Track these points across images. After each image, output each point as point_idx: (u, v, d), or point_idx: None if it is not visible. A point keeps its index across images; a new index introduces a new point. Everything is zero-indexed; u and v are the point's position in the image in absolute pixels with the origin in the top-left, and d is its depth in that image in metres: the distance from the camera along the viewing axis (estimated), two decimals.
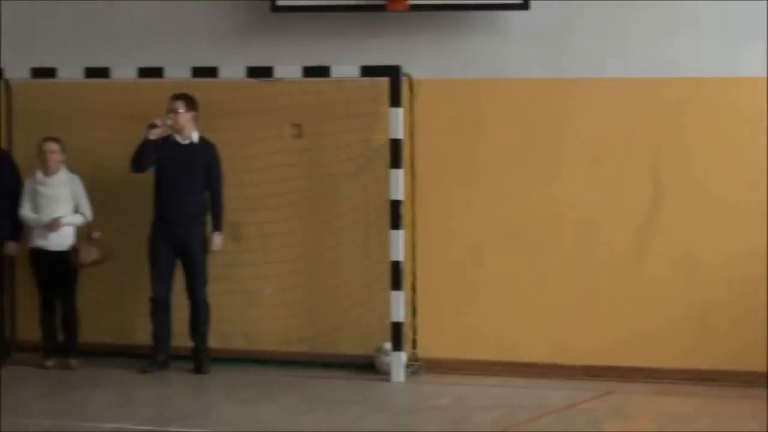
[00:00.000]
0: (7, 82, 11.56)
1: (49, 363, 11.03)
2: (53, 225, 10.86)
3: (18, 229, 11.06)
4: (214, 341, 11.11)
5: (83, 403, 9.92)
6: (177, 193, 10.80)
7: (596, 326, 10.77)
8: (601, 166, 10.77)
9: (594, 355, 10.79)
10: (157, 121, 10.73)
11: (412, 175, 11.02)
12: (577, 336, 10.81)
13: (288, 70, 10.93)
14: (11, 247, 11.08)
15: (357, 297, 11.16)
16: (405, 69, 10.85)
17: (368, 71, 10.80)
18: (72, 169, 11.14)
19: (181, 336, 11.00)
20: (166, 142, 10.89)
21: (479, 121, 11.04)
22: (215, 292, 11.10)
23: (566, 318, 10.83)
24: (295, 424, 9.04)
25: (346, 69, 10.82)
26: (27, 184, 11.04)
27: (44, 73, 11.27)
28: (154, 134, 10.73)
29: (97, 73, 11.17)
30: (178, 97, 10.84)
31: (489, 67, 11.01)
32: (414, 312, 11.02)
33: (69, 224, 10.96)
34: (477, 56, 11.03)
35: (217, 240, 10.88)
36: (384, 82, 10.80)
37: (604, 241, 10.79)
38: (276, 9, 11.07)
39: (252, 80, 11.06)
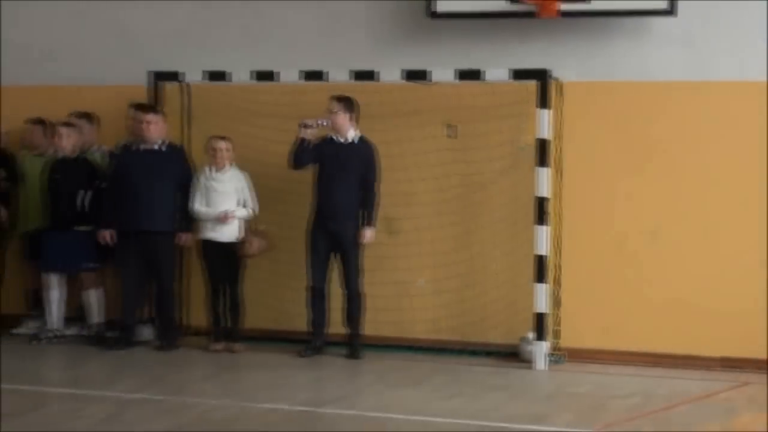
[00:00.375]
0: (183, 85, 12.12)
1: (216, 346, 11.45)
2: (224, 218, 11.30)
3: (190, 221, 11.57)
4: (367, 328, 11.44)
5: (244, 384, 10.29)
6: (334, 188, 11.15)
7: (734, 318, 10.84)
8: (751, 169, 10.87)
9: (731, 347, 10.89)
10: (309, 121, 11.10)
11: (559, 173, 11.27)
12: (714, 328, 10.91)
13: (443, 73, 11.24)
14: (184, 239, 11.56)
15: (504, 289, 11.41)
16: (553, 72, 11.09)
17: (518, 75, 11.04)
18: (240, 165, 11.62)
19: (336, 323, 11.40)
20: (327, 140, 11.30)
21: (624, 122, 11.22)
22: (370, 283, 11.45)
23: (705, 310, 10.94)
24: (441, 407, 9.23)
25: (497, 72, 11.08)
26: (198, 179, 11.51)
27: (218, 76, 11.80)
28: (307, 133, 11.12)
29: (264, 76, 11.64)
30: (335, 98, 11.22)
31: (634, 70, 11.20)
32: (557, 304, 11.26)
33: (238, 217, 11.40)
34: (622, 60, 11.21)
35: (367, 234, 11.20)
36: (533, 85, 11.04)
37: (744, 237, 10.89)
38: (432, 15, 11.42)
39: (409, 83, 11.41)
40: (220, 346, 11.46)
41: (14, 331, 12.18)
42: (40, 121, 12.23)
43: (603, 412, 9.27)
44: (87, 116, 12.11)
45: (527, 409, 9.31)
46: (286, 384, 10.14)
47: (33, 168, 12.11)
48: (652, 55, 11.17)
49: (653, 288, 11.13)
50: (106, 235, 11.46)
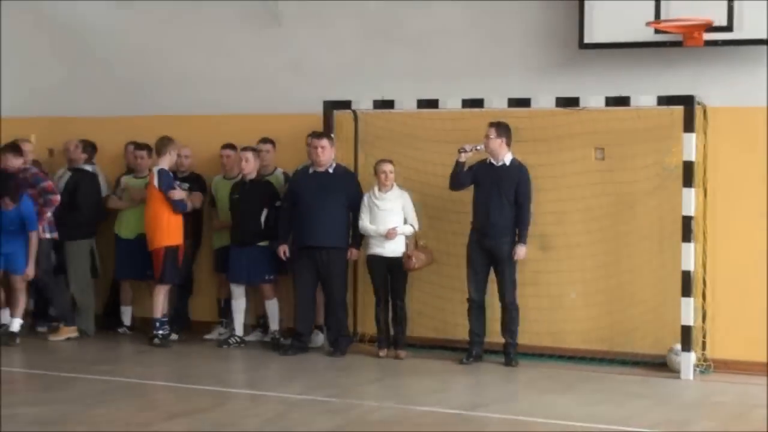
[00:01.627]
0: (354, 113, 12.29)
1: (382, 353, 11.54)
2: (390, 234, 11.42)
3: (359, 237, 11.72)
4: (523, 338, 11.38)
5: (405, 388, 10.34)
6: (490, 208, 11.14)
7: None
8: None
9: None
10: (466, 147, 11.12)
11: (704, 194, 11.06)
12: None
13: (593, 100, 11.16)
14: (353, 254, 11.70)
15: (652, 302, 11.23)
16: (699, 98, 10.90)
17: (664, 101, 10.89)
18: (403, 186, 11.71)
19: (494, 333, 11.37)
20: (484, 164, 11.32)
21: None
22: (525, 296, 11.42)
23: None
24: (586, 413, 9.14)
25: (644, 99, 10.95)
26: (365, 199, 11.65)
27: (385, 104, 11.96)
28: (463, 157, 11.16)
29: (428, 104, 11.72)
30: (491, 124, 11.25)
31: None
32: (704, 317, 11.03)
33: (402, 234, 11.51)
34: (765, 85, 10.96)
35: (520, 251, 11.15)
36: (679, 110, 10.84)
37: None
38: (583, 46, 11.36)
39: (560, 109, 11.36)
40: (384, 352, 11.55)
41: (206, 336, 12.52)
42: (231, 146, 12.55)
43: (745, 421, 9.05)
44: (269, 142, 12.38)
45: (670, 416, 9.13)
46: (444, 389, 10.16)
47: (223, 190, 12.44)
48: None
49: None
50: (282, 250, 11.67)
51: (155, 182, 11.79)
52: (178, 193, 11.79)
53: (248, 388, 10.12)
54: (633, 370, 11.00)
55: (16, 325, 11.97)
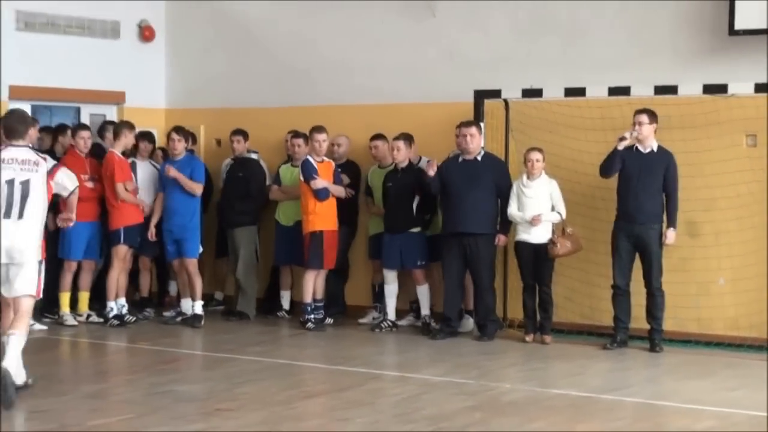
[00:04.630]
0: (505, 101, 12.72)
1: (528, 338, 11.96)
2: (534, 221, 11.83)
3: (507, 224, 12.14)
4: (669, 324, 11.65)
5: (544, 372, 10.70)
6: (637, 194, 11.42)
7: None
8: None
9: None
10: (626, 134, 11.45)
11: None
12: None
13: (741, 86, 11.31)
14: (501, 240, 12.13)
15: None
16: None
17: None
18: (552, 173, 12.10)
19: (639, 318, 11.66)
20: (631, 150, 11.61)
21: None
22: (672, 282, 11.64)
23: None
24: (718, 397, 9.36)
25: None
26: (514, 186, 12.06)
27: (533, 93, 12.36)
28: (622, 145, 11.46)
29: (574, 92, 12.06)
30: (642, 111, 11.50)
31: None
32: None
33: (547, 221, 11.90)
34: None
35: (670, 236, 11.40)
36: None
37: None
38: (733, 33, 11.53)
39: (708, 96, 11.54)
40: (531, 337, 11.98)
41: (360, 320, 13.17)
42: (380, 137, 13.13)
43: None
44: (405, 136, 12.82)
45: None
46: (582, 373, 10.50)
47: (377, 178, 13.06)
48: None
49: None
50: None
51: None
52: (319, 182, 12.44)
53: (390, 370, 10.69)
54: None
55: (198, 307, 12.82)
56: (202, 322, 12.72)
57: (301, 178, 12.61)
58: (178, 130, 12.92)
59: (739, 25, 11.51)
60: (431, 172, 12.00)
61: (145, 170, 13.20)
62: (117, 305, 12.67)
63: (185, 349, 11.65)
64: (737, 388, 9.87)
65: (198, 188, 12.77)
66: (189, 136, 13.16)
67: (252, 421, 8.25)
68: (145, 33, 14.74)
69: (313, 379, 10.38)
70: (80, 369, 10.92)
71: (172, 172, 12.67)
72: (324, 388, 9.82)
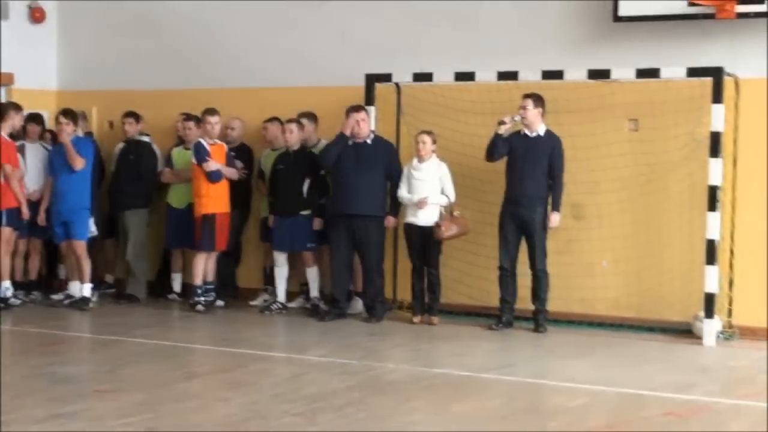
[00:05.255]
0: (397, 86, 12.83)
1: (416, 319, 12.10)
2: (421, 203, 11.96)
3: (397, 206, 12.24)
4: (555, 305, 11.87)
5: (428, 353, 10.83)
6: (522, 177, 11.62)
7: None
8: None
9: None
10: (506, 118, 11.61)
11: (734, 164, 11.41)
12: None
13: (623, 72, 11.54)
14: (390, 222, 12.25)
15: (680, 270, 11.61)
16: (730, 70, 11.24)
17: (694, 72, 11.22)
18: (442, 157, 12.19)
19: (525, 300, 11.86)
20: (518, 135, 11.79)
21: None
22: (558, 264, 11.89)
23: None
24: (595, 376, 9.58)
25: (674, 70, 11.31)
26: (405, 169, 12.18)
27: (423, 77, 12.48)
28: (503, 129, 11.65)
29: (464, 77, 12.20)
30: (527, 96, 11.69)
31: None
32: (731, 284, 11.41)
33: (435, 203, 12.02)
34: None
35: (554, 218, 11.62)
36: (710, 82, 11.15)
37: None
38: (617, 19, 11.76)
39: (594, 81, 11.74)
40: (418, 318, 12.13)
41: (251, 303, 13.24)
42: (276, 120, 13.21)
43: (748, 384, 9.39)
44: (310, 115, 12.99)
45: (675, 379, 9.51)
46: (465, 353, 10.63)
47: (269, 161, 13.11)
48: None
49: None
50: (317, 223, 12.42)
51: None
52: (212, 165, 12.47)
53: (276, 351, 10.75)
54: (660, 337, 11.43)
55: (86, 290, 12.76)
56: (90, 305, 12.69)
57: (194, 161, 12.63)
58: (66, 113, 12.84)
59: (622, 12, 11.74)
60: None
61: (34, 153, 13.12)
62: (2, 288, 12.59)
63: (71, 332, 11.61)
64: (613, 366, 10.10)
65: (78, 161, 12.62)
66: (77, 117, 13.06)
67: (130, 402, 8.26)
68: (35, 14, 14.61)
69: (198, 360, 10.43)
70: None
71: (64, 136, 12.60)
72: (207, 369, 9.90)
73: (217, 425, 7.72)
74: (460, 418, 8.12)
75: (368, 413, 8.10)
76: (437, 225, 11.94)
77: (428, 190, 12.01)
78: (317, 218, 12.46)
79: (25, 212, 12.66)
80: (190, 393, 8.76)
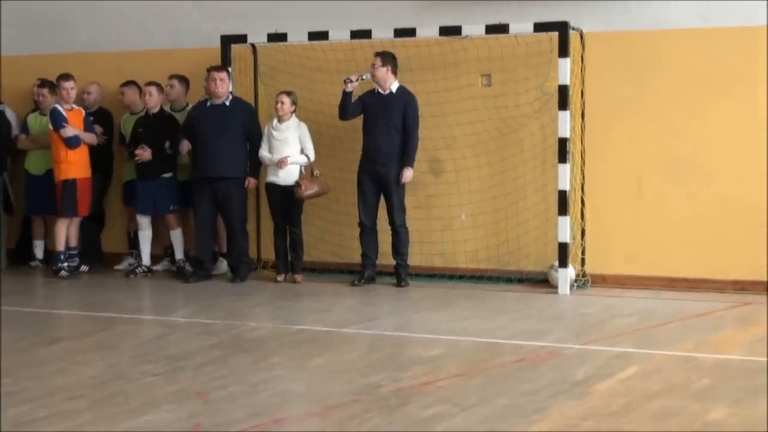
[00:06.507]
0: (253, 46, 12.94)
1: (280, 278, 12.31)
2: (281, 163, 12.12)
3: (257, 167, 12.39)
4: (416, 260, 12.20)
5: (291, 310, 10.99)
6: (377, 134, 11.82)
7: (747, 244, 11.28)
8: (755, 109, 11.26)
9: (743, 271, 11.32)
10: (352, 77, 11.81)
11: (582, 117, 11.81)
12: (727, 254, 11.36)
13: (474, 28, 11.81)
14: (251, 182, 12.37)
15: (536, 221, 11.98)
16: (576, 24, 11.60)
17: (541, 27, 11.58)
18: (300, 117, 12.39)
19: (387, 255, 12.12)
20: (371, 93, 12.00)
21: (641, 69, 11.66)
22: (418, 218, 12.20)
23: (718, 236, 11.39)
24: (453, 327, 9.85)
25: (522, 26, 11.63)
26: (265, 129, 12.34)
27: (278, 37, 12.60)
28: (350, 87, 11.83)
29: (318, 36, 12.38)
30: (377, 54, 11.89)
31: (652, 21, 11.63)
32: (582, 234, 11.83)
33: (294, 163, 12.15)
34: (641, 10, 11.65)
35: (407, 173, 11.82)
36: (557, 36, 11.55)
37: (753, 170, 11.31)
38: None
39: (446, 38, 12.03)
40: (282, 277, 12.33)
41: (116, 267, 13.30)
42: (133, 83, 13.23)
43: (597, 330, 9.78)
44: (179, 78, 13.04)
45: (530, 327, 9.87)
46: (327, 309, 10.86)
47: (130, 125, 13.13)
48: (669, 5, 11.57)
49: (670, 217, 11.62)
50: None
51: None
52: (69, 131, 12.46)
53: (139, 314, 10.86)
54: (518, 287, 11.81)
55: None
56: None
57: (51, 127, 12.60)
58: None
59: None
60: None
61: None
62: None
63: None
64: (470, 317, 10.41)
65: None
66: None
67: None
68: None
69: (60, 326, 10.48)
70: None
71: None
72: (69, 334, 9.98)
73: (76, 387, 7.82)
74: (318, 371, 8.33)
75: (228, 370, 8.26)
76: (297, 184, 12.11)
77: (288, 150, 12.16)
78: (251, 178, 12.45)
79: None
80: (51, 357, 8.83)
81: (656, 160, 11.66)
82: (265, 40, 12.65)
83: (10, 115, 13.54)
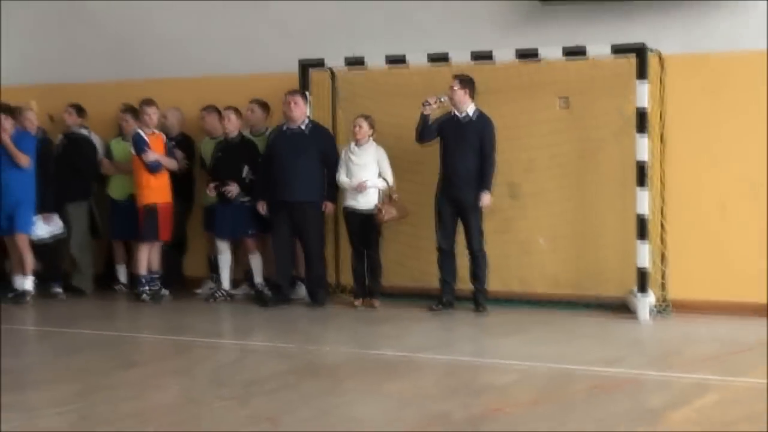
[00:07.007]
0: (332, 71, 12.99)
1: (357, 303, 12.30)
2: (359, 187, 12.16)
3: (335, 191, 12.41)
4: (495, 284, 12.10)
5: (367, 335, 10.98)
6: (455, 158, 11.80)
7: None
8: None
9: None
10: (430, 100, 11.79)
11: (661, 140, 11.67)
12: None
13: (551, 51, 11.75)
14: (328, 207, 12.39)
15: (615, 246, 11.84)
16: (654, 47, 11.48)
17: (618, 50, 11.47)
18: (378, 141, 12.37)
19: (466, 280, 12.05)
20: (449, 116, 11.98)
21: (723, 90, 11.51)
22: (496, 243, 12.10)
23: None
24: (528, 352, 9.77)
25: (599, 48, 11.53)
26: (342, 153, 12.38)
27: (355, 62, 12.65)
28: (427, 110, 11.82)
29: (395, 60, 12.39)
30: (454, 77, 11.89)
31: (735, 41, 11.47)
32: (663, 260, 11.67)
33: (372, 187, 12.17)
34: (720, 33, 11.50)
35: (485, 198, 11.76)
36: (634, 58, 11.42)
37: None
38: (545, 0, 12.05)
39: (522, 61, 11.96)
40: (360, 302, 12.32)
41: (197, 291, 13.40)
42: (213, 108, 13.36)
43: (676, 357, 9.66)
44: (259, 103, 13.14)
45: (606, 354, 9.73)
46: (404, 335, 10.82)
47: (208, 150, 13.27)
48: (749, 27, 11.41)
49: (754, 243, 11.41)
50: (261, 206, 12.50)
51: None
52: (151, 155, 12.62)
53: (217, 338, 10.93)
54: (597, 313, 11.66)
55: (28, 283, 12.89)
56: (28, 298, 12.80)
57: (133, 152, 12.77)
58: (4, 109, 12.96)
59: None
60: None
61: None
62: None
63: (13, 325, 11.72)
64: (546, 343, 10.31)
65: (24, 159, 12.80)
66: (18, 113, 13.16)
67: (65, 392, 8.40)
68: None
69: (138, 350, 10.56)
70: None
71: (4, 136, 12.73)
72: (146, 358, 10.06)
73: (149, 412, 7.88)
74: (391, 397, 8.29)
75: (300, 395, 8.26)
76: (377, 209, 12.10)
77: (366, 174, 12.18)
78: (260, 201, 12.52)
79: None
80: (127, 381, 8.91)
81: (740, 184, 11.49)
82: (343, 64, 12.69)
83: (96, 140, 13.72)
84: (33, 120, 13.36)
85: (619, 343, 10.35)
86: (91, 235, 13.74)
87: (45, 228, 13.05)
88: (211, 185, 12.83)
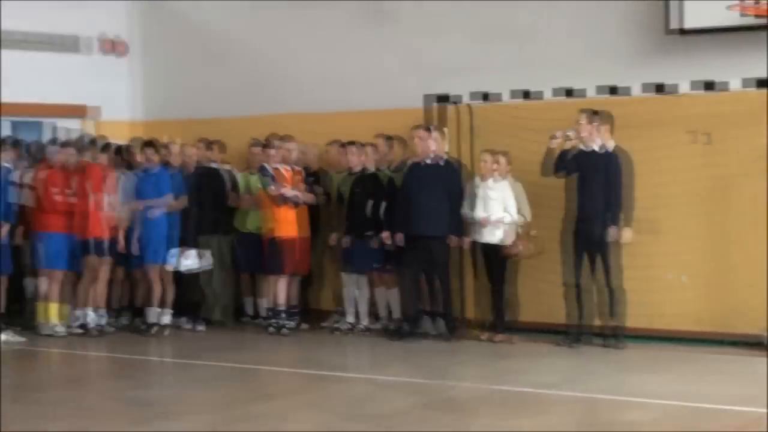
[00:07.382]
0: (469, 107, 12.87)
1: (484, 337, 12.16)
2: (483, 222, 12.03)
3: (462, 225, 12.28)
4: (633, 321, 11.87)
5: (496, 370, 10.85)
6: (587, 193, 11.66)
7: None
8: None
9: None
10: (557, 133, 11.71)
11: None
12: None
13: (680, 85, 11.57)
14: (454, 241, 12.30)
15: (758, 282, 11.48)
16: None
17: (751, 83, 11.27)
18: (515, 175, 12.21)
19: (603, 316, 11.86)
20: (580, 151, 11.82)
21: None
22: (634, 278, 11.84)
23: None
24: (659, 390, 9.58)
25: (737, 82, 11.32)
26: (468, 187, 12.26)
27: (490, 97, 12.60)
28: (553, 143, 11.72)
29: (523, 94, 12.33)
30: (582, 111, 11.74)
31: None
32: None
33: (499, 222, 12.02)
34: None
35: (625, 234, 11.60)
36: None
37: None
38: (669, 32, 11.85)
39: (651, 95, 11.75)
40: (487, 336, 12.17)
41: (325, 324, 13.33)
42: (336, 143, 13.40)
43: None
44: (389, 137, 13.16)
45: (749, 393, 9.45)
46: (537, 370, 10.69)
47: (345, 185, 13.18)
48: None
49: None
50: (386, 237, 12.47)
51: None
52: (274, 189, 12.70)
53: (348, 372, 10.93)
54: (739, 350, 11.34)
55: (166, 317, 13.02)
56: (166, 332, 12.90)
57: (260, 186, 12.87)
58: (149, 143, 13.19)
59: (688, 25, 11.76)
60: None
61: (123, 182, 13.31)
62: (88, 316, 12.82)
63: (151, 356, 11.88)
64: (686, 381, 10.10)
65: (181, 204, 13.13)
66: (161, 148, 13.38)
67: (198, 423, 8.46)
68: (118, 48, 15.21)
69: (272, 382, 10.62)
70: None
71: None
72: (279, 391, 10.07)
73: None
74: None
75: (432, 430, 8.17)
76: (515, 244, 11.98)
77: (493, 208, 12.06)
78: (385, 232, 12.49)
79: (122, 244, 12.94)
80: (261, 414, 8.92)
81: None
82: (468, 98, 12.66)
83: (225, 173, 13.77)
84: (177, 155, 13.53)
85: (763, 381, 10.01)
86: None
87: (193, 261, 13.14)
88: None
